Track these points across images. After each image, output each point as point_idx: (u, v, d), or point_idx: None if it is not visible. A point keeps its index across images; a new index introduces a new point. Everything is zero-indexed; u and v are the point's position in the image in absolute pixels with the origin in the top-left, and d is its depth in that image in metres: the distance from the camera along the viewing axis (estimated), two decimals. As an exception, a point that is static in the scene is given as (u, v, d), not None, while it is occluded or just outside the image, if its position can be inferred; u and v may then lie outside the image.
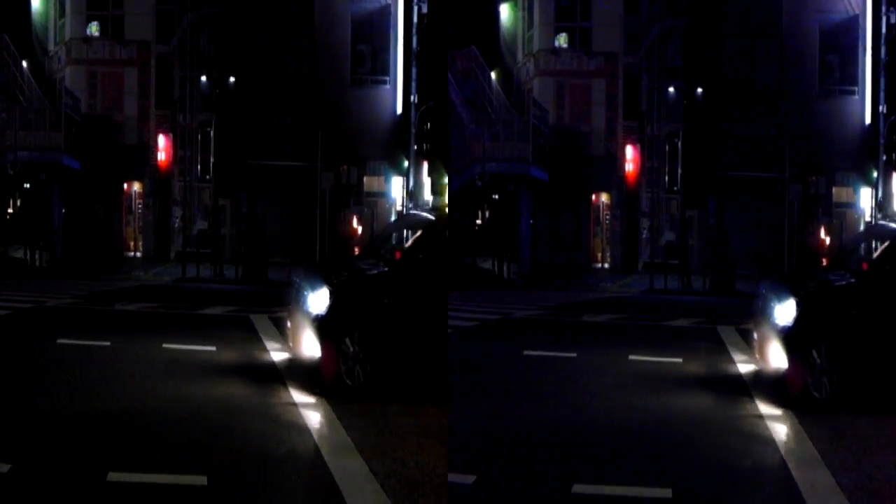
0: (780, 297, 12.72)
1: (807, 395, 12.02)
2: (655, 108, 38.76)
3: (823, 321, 12.29)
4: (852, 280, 13.09)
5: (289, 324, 13.31)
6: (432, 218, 14.40)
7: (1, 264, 34.85)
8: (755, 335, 13.45)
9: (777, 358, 12.53)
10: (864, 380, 12.18)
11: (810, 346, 12.12)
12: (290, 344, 13.24)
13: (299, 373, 12.77)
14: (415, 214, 21.78)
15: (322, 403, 11.48)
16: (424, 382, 12.36)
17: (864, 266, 13.16)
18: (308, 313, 12.47)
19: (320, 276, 13.01)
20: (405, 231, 22.54)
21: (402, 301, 12.45)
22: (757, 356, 13.38)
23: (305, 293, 12.64)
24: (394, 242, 19.82)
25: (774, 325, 12.60)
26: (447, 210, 13.59)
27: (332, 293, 12.39)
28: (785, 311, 12.50)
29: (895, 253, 13.40)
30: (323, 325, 12.26)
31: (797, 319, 12.32)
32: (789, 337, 12.33)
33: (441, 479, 8.66)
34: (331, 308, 12.30)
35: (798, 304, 12.41)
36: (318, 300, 12.43)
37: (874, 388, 12.27)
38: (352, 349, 12.13)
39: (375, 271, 13.39)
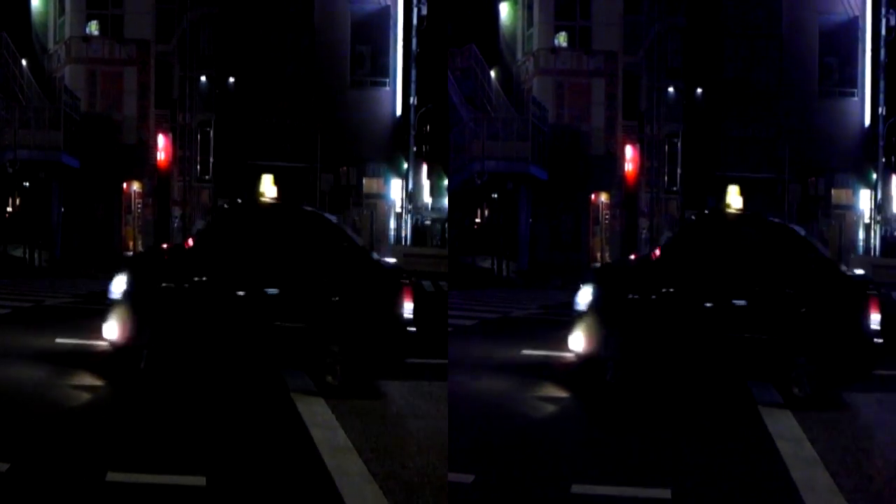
0: (583, 283, 13.00)
1: (601, 381, 12.34)
2: (655, 108, 38.80)
3: (614, 307, 12.48)
4: (646, 267, 13.13)
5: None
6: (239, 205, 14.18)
7: (0, 263, 34.84)
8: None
9: (577, 343, 12.75)
10: (652, 365, 12.35)
11: (602, 331, 12.36)
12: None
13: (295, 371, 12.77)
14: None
15: (321, 401, 11.46)
16: (240, 371, 12.37)
17: (657, 252, 13.23)
18: (111, 298, 12.57)
19: (129, 262, 13.01)
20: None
21: (199, 287, 12.31)
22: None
23: (112, 279, 12.71)
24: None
25: (576, 311, 12.82)
26: (276, 198, 13.26)
27: (128, 279, 12.47)
28: (583, 297, 12.77)
29: (684, 240, 13.44)
30: (119, 310, 12.36)
31: (591, 305, 12.61)
32: (585, 322, 12.58)
33: (441, 482, 8.66)
34: (125, 293, 12.39)
35: (595, 291, 12.69)
36: (117, 285, 12.52)
37: (662, 373, 12.49)
38: (145, 335, 12.16)
39: (181, 258, 13.01)
